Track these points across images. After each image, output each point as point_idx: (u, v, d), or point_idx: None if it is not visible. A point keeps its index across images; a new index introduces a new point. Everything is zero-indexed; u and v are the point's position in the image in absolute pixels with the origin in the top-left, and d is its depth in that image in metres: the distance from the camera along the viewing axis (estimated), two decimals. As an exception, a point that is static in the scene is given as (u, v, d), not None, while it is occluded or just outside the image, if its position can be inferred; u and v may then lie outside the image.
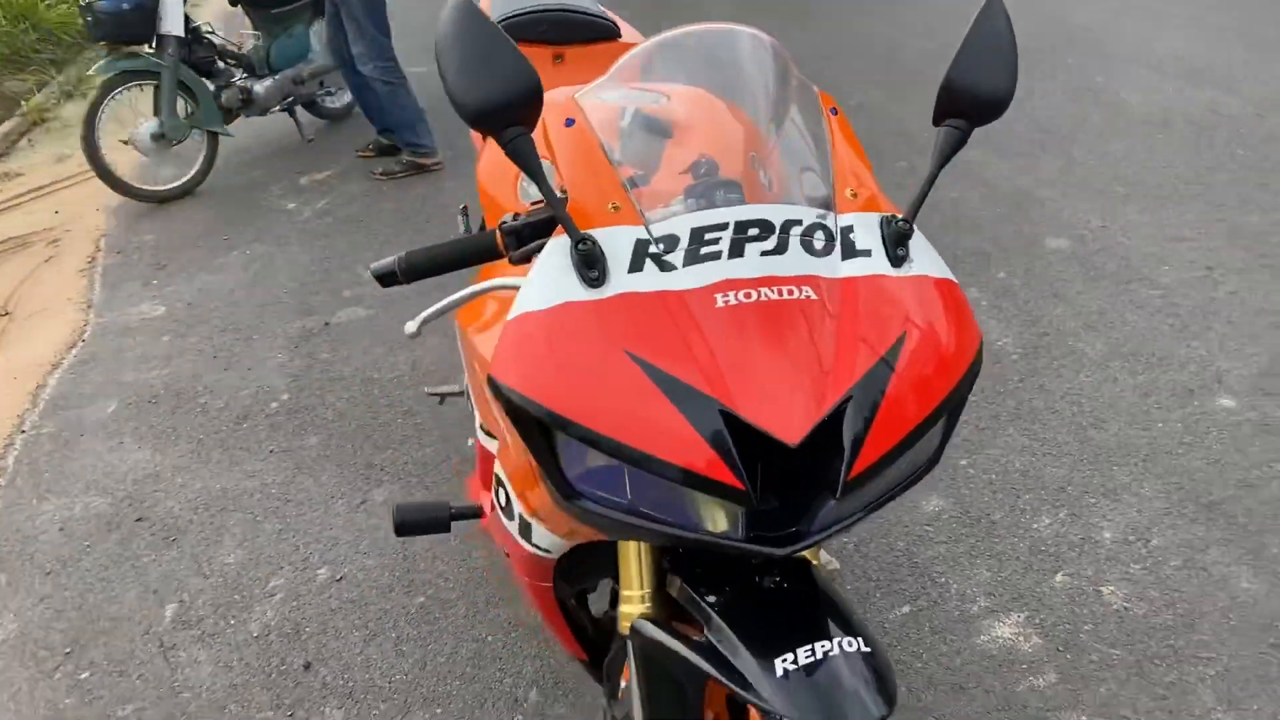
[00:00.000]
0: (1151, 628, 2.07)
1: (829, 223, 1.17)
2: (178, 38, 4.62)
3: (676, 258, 1.13)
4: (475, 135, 2.29)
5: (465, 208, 2.57)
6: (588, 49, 2.30)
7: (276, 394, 3.26)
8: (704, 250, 1.12)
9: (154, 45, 4.62)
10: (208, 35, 5.01)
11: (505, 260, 1.30)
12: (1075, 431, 2.64)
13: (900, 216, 1.19)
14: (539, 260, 1.17)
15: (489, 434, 1.57)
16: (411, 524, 1.75)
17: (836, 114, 1.32)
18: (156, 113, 4.69)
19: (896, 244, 1.18)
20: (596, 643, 1.71)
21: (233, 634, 2.36)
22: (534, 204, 1.36)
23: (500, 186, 1.62)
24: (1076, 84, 5.11)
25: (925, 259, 1.20)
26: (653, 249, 1.13)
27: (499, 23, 2.28)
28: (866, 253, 1.17)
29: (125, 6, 4.45)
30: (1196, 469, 2.46)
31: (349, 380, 3.29)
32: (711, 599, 1.26)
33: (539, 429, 1.12)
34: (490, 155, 1.67)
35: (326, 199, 4.75)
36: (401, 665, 2.22)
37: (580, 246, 1.12)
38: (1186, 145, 4.27)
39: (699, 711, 1.30)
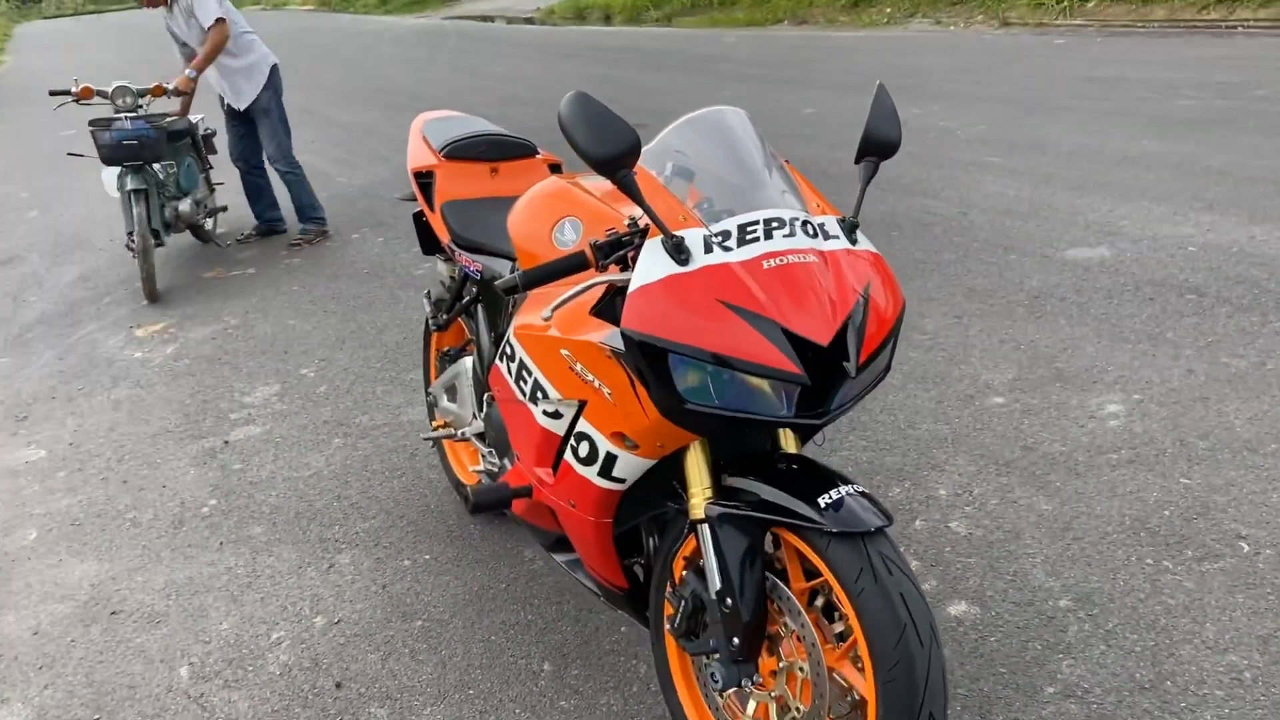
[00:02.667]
0: (990, 542, 2.81)
1: (813, 220, 1.86)
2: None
3: (732, 243, 1.77)
4: (437, 226, 2.85)
5: (428, 292, 3.11)
6: (514, 164, 2.94)
7: (203, 501, 3.54)
8: (748, 237, 1.78)
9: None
10: None
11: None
12: (897, 431, 3.43)
13: (851, 218, 1.91)
14: (642, 254, 1.77)
15: (551, 416, 2.10)
16: (486, 503, 2.24)
17: (788, 162, 2.03)
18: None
19: (850, 232, 1.89)
20: (633, 581, 2.24)
21: (254, 677, 2.65)
22: (609, 231, 1.94)
23: (534, 242, 2.19)
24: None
25: (865, 241, 1.91)
26: (715, 239, 1.77)
27: (444, 148, 2.89)
28: (837, 237, 1.86)
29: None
30: (989, 443, 3.29)
31: (271, 481, 3.62)
32: (756, 480, 1.88)
33: (658, 359, 1.71)
34: (523, 228, 2.24)
35: (173, 346, 5.02)
36: (423, 670, 2.61)
37: (673, 240, 1.74)
38: (911, 240, 5.37)
39: (762, 559, 1.88)
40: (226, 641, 2.80)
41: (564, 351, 1.97)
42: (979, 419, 3.45)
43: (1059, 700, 2.25)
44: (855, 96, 9.00)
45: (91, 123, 5.55)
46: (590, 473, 2.02)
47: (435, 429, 3.19)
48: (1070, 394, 3.53)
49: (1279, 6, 11.40)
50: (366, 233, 6.66)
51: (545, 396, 2.08)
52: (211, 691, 2.62)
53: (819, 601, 1.93)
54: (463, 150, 2.89)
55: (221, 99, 6.30)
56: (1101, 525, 2.82)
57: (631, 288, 1.75)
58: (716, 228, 1.79)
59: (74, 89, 5.63)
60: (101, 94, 5.64)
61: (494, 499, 2.25)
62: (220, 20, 5.87)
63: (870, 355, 1.77)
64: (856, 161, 1.99)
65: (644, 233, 1.85)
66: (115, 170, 5.66)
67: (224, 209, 6.58)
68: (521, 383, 2.15)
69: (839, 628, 1.89)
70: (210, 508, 3.49)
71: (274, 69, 6.30)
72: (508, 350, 2.21)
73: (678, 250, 1.75)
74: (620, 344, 1.80)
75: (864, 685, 1.74)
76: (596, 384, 1.91)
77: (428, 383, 3.42)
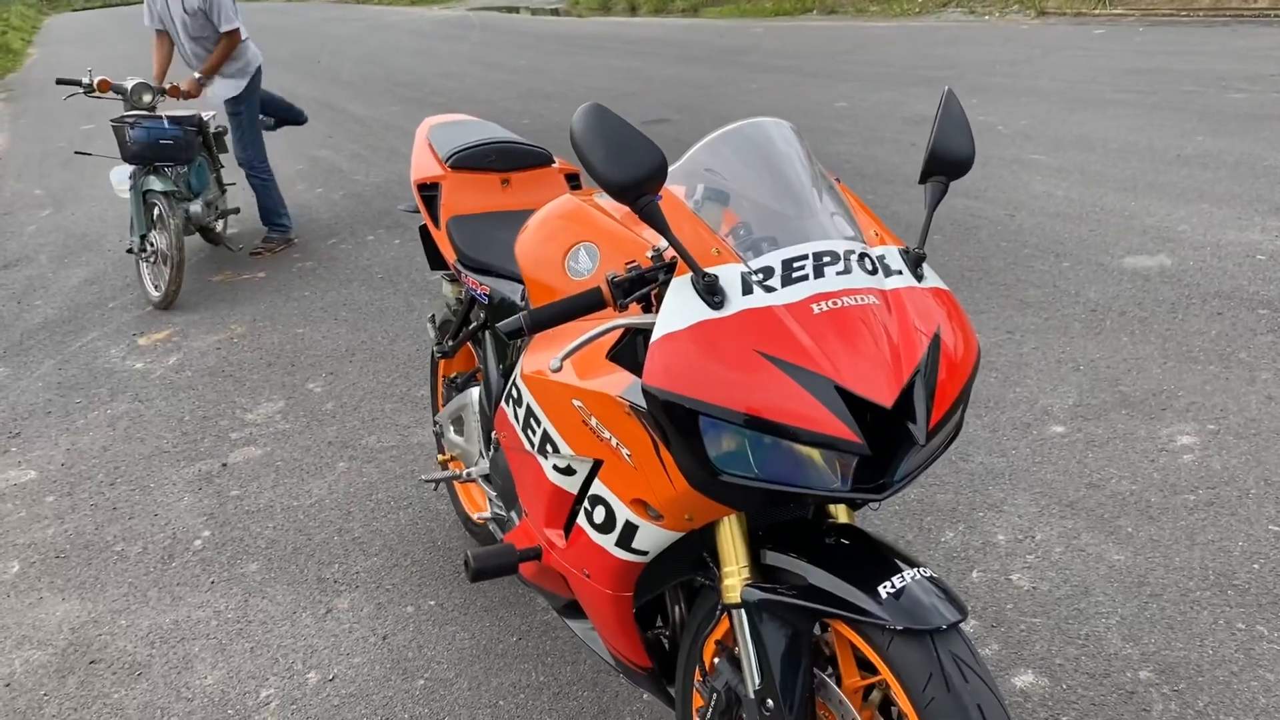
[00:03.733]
0: (1057, 598, 2.52)
1: (871, 252, 1.57)
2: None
3: (775, 282, 1.48)
4: (444, 242, 2.58)
5: (433, 316, 2.84)
6: (528, 174, 2.66)
7: (196, 533, 3.29)
8: (795, 274, 1.49)
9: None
10: None
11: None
12: (948, 465, 3.13)
13: (916, 248, 1.61)
14: (669, 295, 1.49)
15: (563, 473, 1.82)
16: (487, 569, 1.97)
17: (839, 181, 1.74)
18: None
19: (915, 266, 1.60)
20: (657, 652, 1.96)
21: (239, 744, 2.41)
22: (629, 264, 1.66)
23: (544, 270, 1.91)
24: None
25: (933, 276, 1.62)
26: (755, 278, 1.49)
27: (450, 157, 2.62)
28: (899, 272, 1.57)
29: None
30: (1051, 479, 2.99)
31: (269, 510, 3.37)
32: (801, 559, 1.59)
33: (686, 421, 1.43)
34: (532, 254, 1.96)
35: (175, 356, 4.78)
36: (424, 739, 2.35)
37: (705, 279, 1.46)
38: (956, 244, 5.06)
39: (810, 653, 1.60)
40: (211, 699, 2.55)
41: (576, 402, 1.70)
42: (1038, 451, 3.15)
43: (1146, 797, 1.96)
44: (888, 89, 8.67)
45: (118, 119, 5.32)
46: (606, 542, 1.74)
47: (442, 463, 2.92)
48: (1138, 423, 3.22)
49: (1331, -6, 10.98)
50: (382, 234, 6.41)
51: (556, 450, 1.81)
52: (191, 760, 2.37)
53: (874, 696, 1.65)
54: (471, 160, 2.61)
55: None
56: (1182, 580, 2.52)
57: (655, 335, 1.47)
58: (756, 263, 1.50)
59: (86, 79, 5.39)
60: (119, 90, 5.41)
61: (498, 565, 1.98)
62: (235, 30, 5.71)
63: (942, 417, 1.48)
64: (922, 181, 1.69)
65: (670, 267, 1.57)
66: (127, 169, 5.43)
67: (236, 210, 6.35)
68: (530, 432, 1.88)
69: (899, 729, 1.60)
70: (203, 540, 3.24)
71: (258, 70, 6.08)
72: (514, 393, 1.94)
73: (710, 291, 1.46)
74: (641, 399, 1.52)
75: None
76: (614, 443, 1.63)
77: (435, 409, 3.15)
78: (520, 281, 2.32)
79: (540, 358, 1.86)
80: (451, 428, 2.77)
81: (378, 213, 6.89)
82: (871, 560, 1.57)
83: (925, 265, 1.62)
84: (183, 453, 3.84)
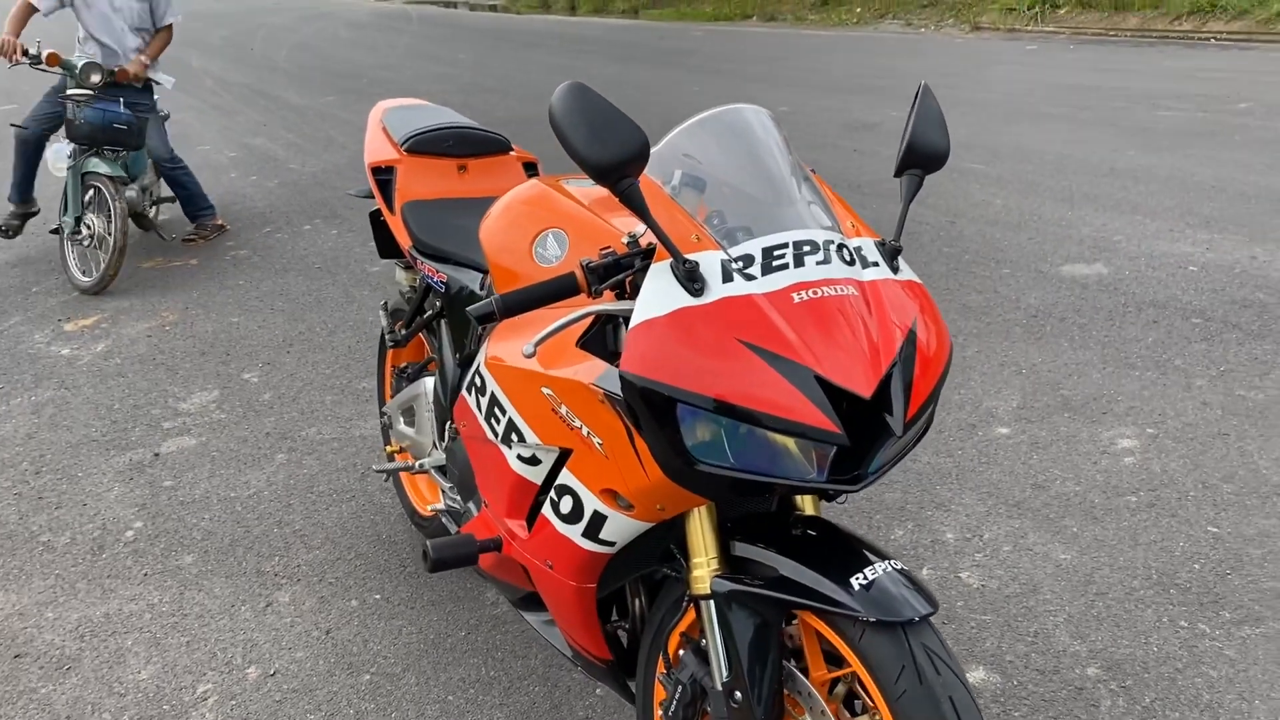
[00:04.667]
0: (1005, 596, 2.55)
1: (848, 243, 1.56)
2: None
3: (755, 270, 1.46)
4: (396, 224, 2.52)
5: (385, 303, 2.78)
6: (485, 160, 2.62)
7: (128, 523, 3.18)
8: (775, 263, 1.47)
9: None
10: None
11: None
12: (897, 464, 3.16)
13: (892, 241, 1.61)
14: (648, 281, 1.46)
15: (528, 462, 1.79)
16: (446, 559, 1.92)
17: (814, 172, 1.74)
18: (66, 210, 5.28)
19: (891, 259, 1.59)
20: (615, 646, 1.93)
21: (176, 740, 2.32)
22: (603, 249, 1.63)
23: (511, 257, 1.87)
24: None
25: (907, 269, 1.62)
26: (735, 265, 1.47)
27: (406, 141, 2.56)
28: (876, 264, 1.56)
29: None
30: (997, 479, 3.03)
31: (204, 501, 3.27)
32: (771, 550, 1.58)
33: (663, 409, 1.41)
34: (497, 239, 1.92)
35: (104, 343, 4.63)
36: (370, 735, 2.29)
37: (685, 265, 1.44)
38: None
39: (779, 645, 1.58)
40: (145, 695, 2.46)
41: (546, 390, 1.66)
42: (984, 452, 3.19)
43: (1097, 791, 1.99)
44: (830, 96, 8.76)
45: (65, 95, 5.14)
46: (573, 532, 1.71)
47: (390, 454, 2.86)
48: (1079, 426, 3.27)
49: (1250, 19, 11.34)
50: (319, 224, 6.28)
51: (521, 440, 1.77)
52: (125, 757, 2.28)
53: (839, 689, 1.65)
54: (427, 144, 2.56)
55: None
56: (1126, 579, 2.56)
57: (633, 322, 1.44)
58: (736, 251, 1.48)
59: (34, 49, 5.15)
60: (67, 66, 5.19)
61: (457, 555, 1.93)
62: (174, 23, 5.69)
63: (918, 409, 1.48)
64: (897, 174, 1.69)
65: (646, 254, 1.55)
66: (68, 147, 5.25)
67: (172, 199, 6.17)
68: (493, 420, 1.84)
69: (863, 721, 1.60)
70: (135, 531, 3.14)
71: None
72: (478, 382, 1.90)
73: (690, 278, 1.44)
74: (615, 386, 1.50)
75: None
76: (585, 431, 1.60)
77: (382, 400, 3.08)
78: (480, 269, 2.28)
79: (507, 345, 1.82)
80: (401, 418, 2.71)
81: (314, 202, 6.76)
82: (842, 552, 1.56)
83: (901, 258, 1.62)
84: (112, 441, 3.71)
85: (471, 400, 1.92)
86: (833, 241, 1.53)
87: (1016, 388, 3.57)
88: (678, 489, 1.51)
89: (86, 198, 5.24)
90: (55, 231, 5.39)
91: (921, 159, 1.66)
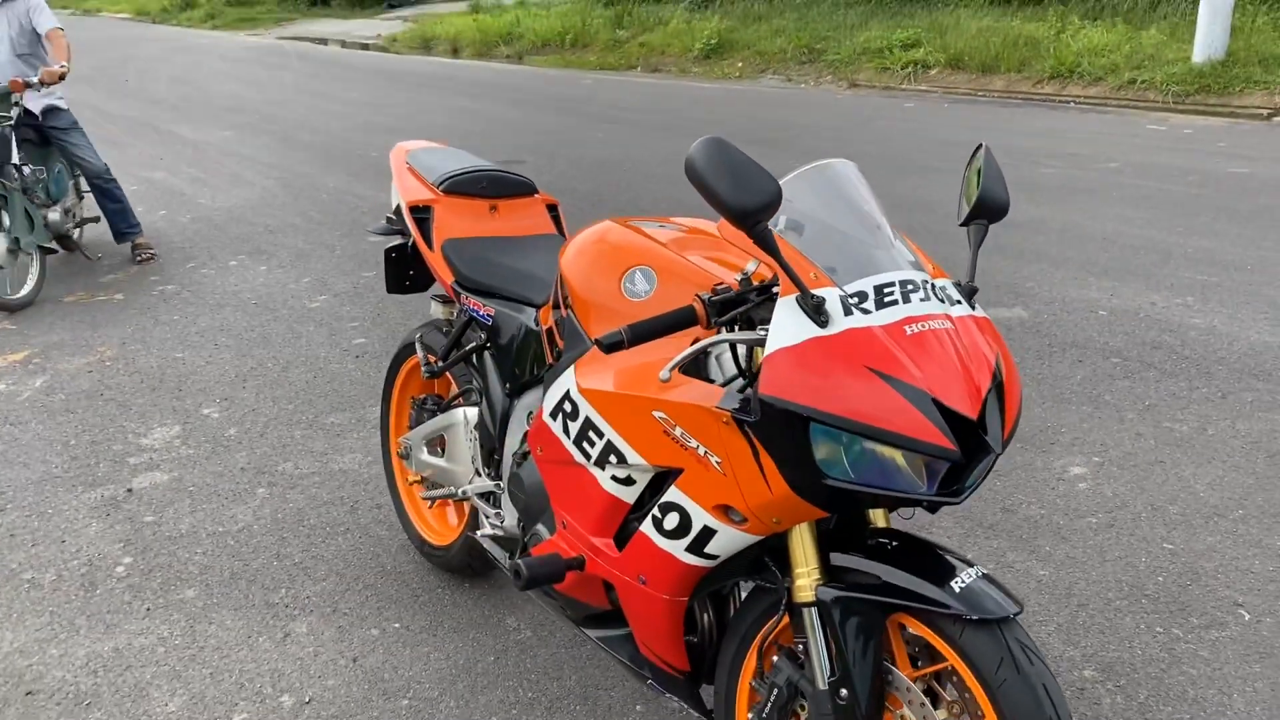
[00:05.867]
0: (996, 610, 2.78)
1: (935, 284, 1.76)
2: (16, 165, 5.29)
3: (870, 305, 1.65)
4: (440, 271, 2.61)
5: (420, 336, 2.85)
6: (514, 201, 2.74)
7: (116, 559, 3.13)
8: (886, 299, 1.66)
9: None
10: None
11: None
12: (871, 492, 3.38)
13: (968, 282, 1.83)
14: (778, 313, 1.63)
15: (622, 483, 1.91)
16: (538, 577, 2.02)
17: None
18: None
19: (969, 298, 1.80)
20: (695, 657, 2.06)
21: (221, 770, 2.33)
22: (718, 285, 1.78)
23: (599, 293, 2.00)
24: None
25: (979, 307, 1.83)
26: (851, 300, 1.65)
27: (442, 182, 2.68)
28: (959, 301, 1.77)
29: None
30: (969, 504, 3.27)
31: (193, 536, 3.24)
32: (868, 558, 1.76)
33: (799, 429, 1.57)
34: (583, 276, 2.04)
35: (42, 378, 4.50)
36: (421, 757, 2.35)
37: (813, 300, 1.61)
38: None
39: (879, 647, 1.75)
40: (178, 727, 2.45)
41: (659, 414, 1.80)
42: (951, 479, 3.44)
43: (1113, 778, 2.21)
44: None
45: None
46: (676, 547, 1.84)
47: (412, 484, 2.92)
48: (1033, 455, 3.56)
49: (1106, 85, 12.24)
50: (245, 260, 6.21)
51: (620, 461, 1.90)
52: (172, 788, 2.28)
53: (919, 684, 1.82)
54: (463, 185, 2.67)
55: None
56: (1102, 591, 2.82)
57: (768, 349, 1.60)
58: (851, 288, 1.66)
59: None
60: None
61: (546, 573, 2.04)
62: (59, 28, 5.60)
63: (1011, 428, 1.69)
64: (964, 224, 1.91)
65: (762, 289, 1.72)
66: None
67: (96, 219, 6.03)
68: (586, 444, 1.96)
69: (941, 715, 1.78)
70: (125, 566, 3.09)
71: None
72: (567, 408, 2.01)
73: (816, 310, 1.61)
74: (735, 406, 1.65)
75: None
76: (702, 451, 1.75)
77: (385, 429, 3.13)
78: (530, 304, 2.41)
79: (599, 373, 1.95)
80: (426, 449, 2.78)
81: (234, 238, 6.67)
82: (931, 559, 1.75)
83: (975, 299, 1.83)
84: (77, 478, 3.63)
85: (557, 425, 2.04)
86: (928, 281, 1.72)
87: (968, 421, 3.85)
88: (797, 503, 1.67)
89: None
90: None
91: (988, 210, 1.88)
